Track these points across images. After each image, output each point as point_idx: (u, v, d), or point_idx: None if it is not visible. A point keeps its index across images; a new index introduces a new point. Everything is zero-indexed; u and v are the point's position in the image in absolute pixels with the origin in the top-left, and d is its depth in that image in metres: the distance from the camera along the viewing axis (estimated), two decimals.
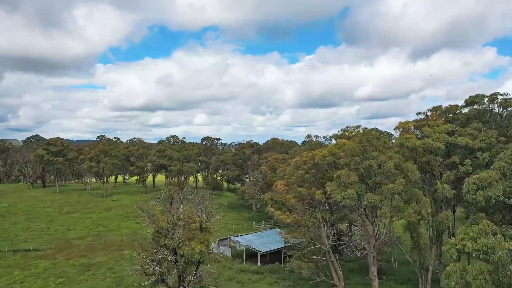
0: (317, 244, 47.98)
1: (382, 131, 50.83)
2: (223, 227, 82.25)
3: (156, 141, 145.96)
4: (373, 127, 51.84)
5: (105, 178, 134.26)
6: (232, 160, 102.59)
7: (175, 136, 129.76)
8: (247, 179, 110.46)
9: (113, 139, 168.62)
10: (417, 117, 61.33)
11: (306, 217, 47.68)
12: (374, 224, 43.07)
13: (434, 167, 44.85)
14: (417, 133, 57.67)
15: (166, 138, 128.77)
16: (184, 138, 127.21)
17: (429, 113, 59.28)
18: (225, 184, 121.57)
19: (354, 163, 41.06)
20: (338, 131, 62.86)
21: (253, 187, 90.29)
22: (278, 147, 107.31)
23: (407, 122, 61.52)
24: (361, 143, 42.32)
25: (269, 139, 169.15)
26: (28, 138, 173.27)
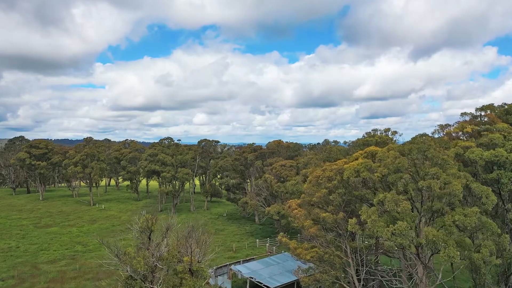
0: (345, 285, 36.61)
1: (432, 136, 39.38)
2: (221, 244, 70.89)
3: (155, 141, 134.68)
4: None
5: (94, 183, 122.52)
6: (232, 166, 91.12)
7: (169, 138, 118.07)
8: (249, 186, 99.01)
9: (104, 140, 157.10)
10: (461, 119, 50.08)
11: (331, 251, 36.25)
12: (428, 265, 31.66)
13: (504, 186, 33.45)
14: (462, 138, 46.61)
15: (159, 141, 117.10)
16: (180, 140, 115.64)
17: (478, 114, 48.00)
18: (224, 192, 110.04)
19: (403, 184, 29.61)
20: (363, 135, 51.41)
21: (256, 197, 78.88)
22: (284, 151, 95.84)
23: (448, 125, 50.26)
24: (411, 155, 30.87)
25: (270, 141, 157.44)
26: (11, 139, 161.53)
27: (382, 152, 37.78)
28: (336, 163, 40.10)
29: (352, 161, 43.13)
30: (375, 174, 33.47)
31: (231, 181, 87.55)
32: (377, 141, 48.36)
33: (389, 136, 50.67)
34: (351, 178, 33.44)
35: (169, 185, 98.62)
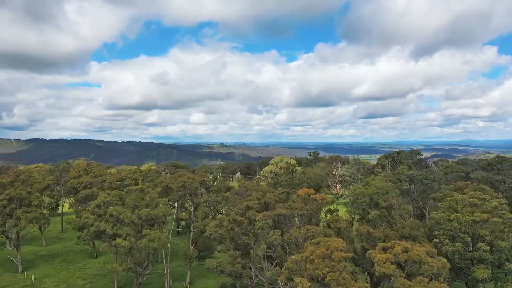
0: None
1: None
2: None
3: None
4: None
5: (42, 226, 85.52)
6: (229, 234, 54.90)
7: (139, 170, 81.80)
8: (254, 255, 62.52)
9: (62, 163, 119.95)
10: None
11: None
12: None
13: None
14: None
15: (128, 174, 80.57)
16: (159, 168, 79.37)
17: None
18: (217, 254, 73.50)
19: None
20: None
21: None
22: (311, 203, 59.59)
23: None
24: None
25: (275, 155, 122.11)
26: None
27: None
28: None
29: None
30: None
31: (228, 266, 50.83)
32: None
33: None
34: None
35: (128, 256, 62.23)
